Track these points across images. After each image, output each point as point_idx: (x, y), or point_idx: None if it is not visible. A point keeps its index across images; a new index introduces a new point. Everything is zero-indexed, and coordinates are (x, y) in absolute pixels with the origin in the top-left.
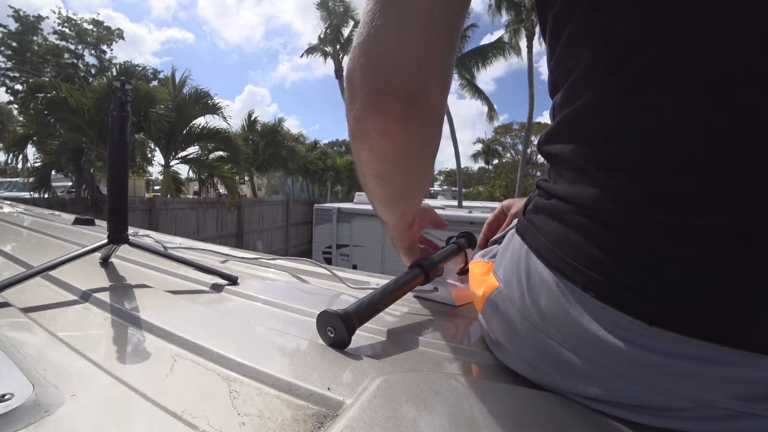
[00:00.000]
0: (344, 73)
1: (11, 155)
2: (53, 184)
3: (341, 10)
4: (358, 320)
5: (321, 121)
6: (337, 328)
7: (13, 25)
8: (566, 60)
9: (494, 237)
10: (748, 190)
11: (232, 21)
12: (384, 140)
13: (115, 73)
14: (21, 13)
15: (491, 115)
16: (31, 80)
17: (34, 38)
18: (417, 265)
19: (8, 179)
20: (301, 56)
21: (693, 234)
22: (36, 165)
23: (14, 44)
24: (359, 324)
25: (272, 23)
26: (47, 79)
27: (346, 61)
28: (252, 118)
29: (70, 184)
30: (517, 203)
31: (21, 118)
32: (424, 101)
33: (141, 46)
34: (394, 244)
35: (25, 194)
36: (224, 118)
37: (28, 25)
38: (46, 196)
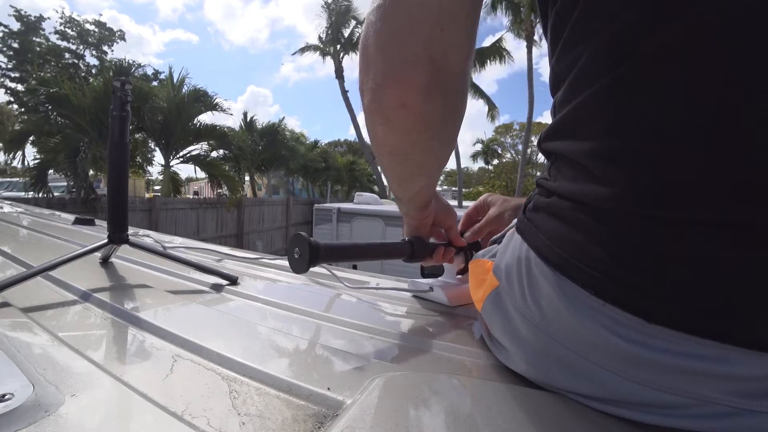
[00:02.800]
0: (359, 44)
1: (10, 153)
2: (52, 184)
3: (342, 8)
4: (325, 255)
5: (322, 121)
6: (302, 253)
7: (14, 27)
8: (567, 57)
9: (495, 237)
10: (748, 186)
11: (237, 23)
12: (403, 113)
13: (111, 74)
14: (22, 13)
15: (492, 114)
16: (33, 75)
17: (35, 39)
18: (409, 240)
19: (8, 179)
20: (293, 54)
21: (693, 231)
22: (33, 164)
23: (15, 45)
24: (324, 259)
25: (278, 25)
26: (50, 76)
27: (361, 38)
28: (249, 119)
29: (69, 184)
30: (499, 201)
31: (20, 119)
32: (447, 68)
33: (145, 48)
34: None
35: (25, 194)
36: (224, 110)
37: (30, 25)
38: (41, 195)
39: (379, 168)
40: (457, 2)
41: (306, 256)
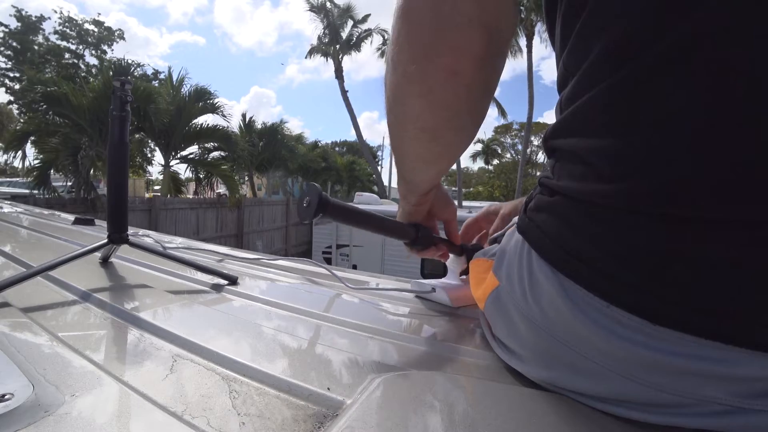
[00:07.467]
0: (397, 12)
1: (11, 153)
2: (53, 184)
3: (337, 10)
4: (333, 211)
5: (325, 122)
6: (311, 203)
7: (14, 26)
8: (576, 53)
9: (494, 235)
10: (751, 184)
11: (246, 26)
12: (452, 82)
13: (110, 73)
14: (23, 13)
15: (502, 112)
16: (26, 75)
17: (35, 38)
18: (415, 225)
19: (8, 179)
20: (306, 57)
21: (696, 229)
22: (35, 164)
23: (15, 44)
24: (330, 214)
25: (286, 29)
26: (49, 76)
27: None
28: (248, 120)
29: (69, 183)
30: (509, 204)
31: (21, 120)
32: (499, 35)
33: (151, 50)
34: (401, 207)
35: (25, 191)
36: (223, 115)
37: (30, 25)
38: (47, 195)
39: (391, 152)
40: None
41: (314, 205)
